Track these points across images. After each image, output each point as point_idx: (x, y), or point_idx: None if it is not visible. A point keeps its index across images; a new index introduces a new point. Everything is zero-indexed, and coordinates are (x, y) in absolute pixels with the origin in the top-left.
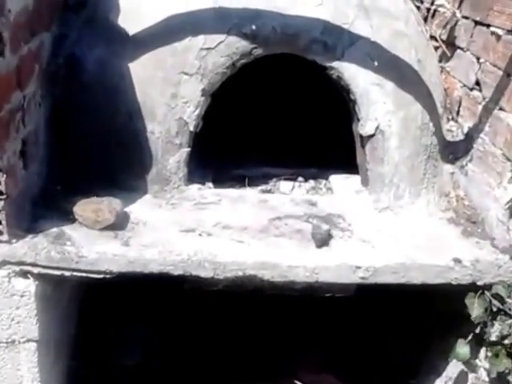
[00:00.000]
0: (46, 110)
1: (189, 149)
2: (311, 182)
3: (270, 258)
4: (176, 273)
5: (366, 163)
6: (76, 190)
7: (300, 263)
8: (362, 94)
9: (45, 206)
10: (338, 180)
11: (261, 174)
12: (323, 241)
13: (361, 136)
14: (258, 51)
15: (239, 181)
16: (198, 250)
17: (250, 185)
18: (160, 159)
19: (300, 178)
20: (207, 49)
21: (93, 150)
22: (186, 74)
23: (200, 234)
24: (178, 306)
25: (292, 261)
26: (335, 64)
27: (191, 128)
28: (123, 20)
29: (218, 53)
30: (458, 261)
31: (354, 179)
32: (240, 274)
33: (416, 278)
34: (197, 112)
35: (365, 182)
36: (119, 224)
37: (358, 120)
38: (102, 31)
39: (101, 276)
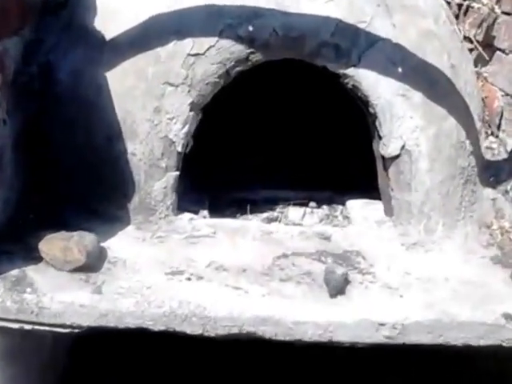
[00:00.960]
0: (14, 128)
1: (177, 172)
2: (325, 209)
3: (273, 310)
4: (156, 328)
5: (390, 189)
6: (51, 219)
7: (309, 318)
8: (383, 106)
9: (12, 239)
10: (356, 207)
11: (266, 198)
12: (338, 288)
13: (383, 157)
14: (257, 57)
15: (241, 206)
16: (183, 300)
17: (252, 211)
18: (143, 185)
19: (312, 203)
20: (195, 55)
21: (68, 174)
22: (170, 84)
23: (189, 278)
24: (170, 352)
25: (300, 315)
26: (350, 71)
27: (179, 148)
28: (101, 22)
29: (208, 59)
30: (509, 317)
31: (376, 206)
32: (235, 330)
33: (456, 339)
34: (185, 129)
35: (388, 212)
36: (92, 265)
37: (380, 138)
38: (78, 35)
39: (67, 330)
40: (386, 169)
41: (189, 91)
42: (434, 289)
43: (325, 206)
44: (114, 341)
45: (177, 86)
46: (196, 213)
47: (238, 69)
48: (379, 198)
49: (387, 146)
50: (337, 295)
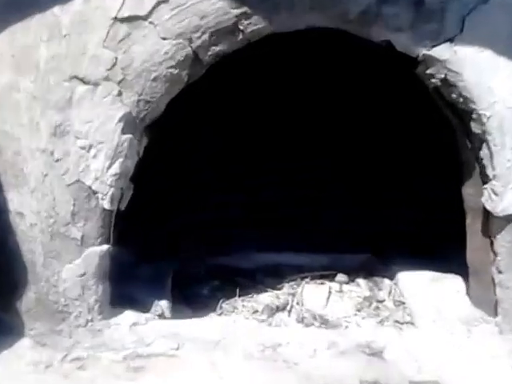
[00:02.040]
0: None
1: (105, 246)
2: (362, 285)
3: None
4: None
5: (494, 269)
6: None
7: None
8: (503, 120)
9: None
10: (415, 285)
11: (265, 267)
12: None
13: (487, 213)
14: (253, 25)
15: (225, 279)
16: None
17: (243, 292)
18: (42, 270)
19: (340, 276)
20: (129, 19)
21: None
22: (82, 80)
23: None
24: None
25: None
26: (441, 51)
27: (105, 204)
28: None
29: (154, 29)
30: None
31: (452, 285)
32: None
33: None
34: (114, 168)
35: (486, 305)
36: None
37: (487, 179)
38: None
39: None
40: (489, 234)
41: (119, 94)
42: None
43: (361, 281)
44: None
45: (95, 84)
46: (146, 307)
47: (216, 49)
48: (452, 269)
49: (501, 197)
50: None
